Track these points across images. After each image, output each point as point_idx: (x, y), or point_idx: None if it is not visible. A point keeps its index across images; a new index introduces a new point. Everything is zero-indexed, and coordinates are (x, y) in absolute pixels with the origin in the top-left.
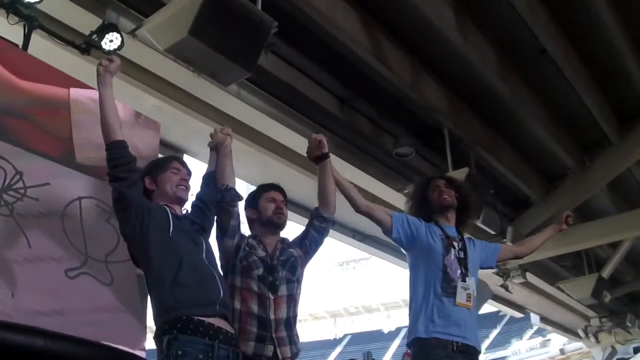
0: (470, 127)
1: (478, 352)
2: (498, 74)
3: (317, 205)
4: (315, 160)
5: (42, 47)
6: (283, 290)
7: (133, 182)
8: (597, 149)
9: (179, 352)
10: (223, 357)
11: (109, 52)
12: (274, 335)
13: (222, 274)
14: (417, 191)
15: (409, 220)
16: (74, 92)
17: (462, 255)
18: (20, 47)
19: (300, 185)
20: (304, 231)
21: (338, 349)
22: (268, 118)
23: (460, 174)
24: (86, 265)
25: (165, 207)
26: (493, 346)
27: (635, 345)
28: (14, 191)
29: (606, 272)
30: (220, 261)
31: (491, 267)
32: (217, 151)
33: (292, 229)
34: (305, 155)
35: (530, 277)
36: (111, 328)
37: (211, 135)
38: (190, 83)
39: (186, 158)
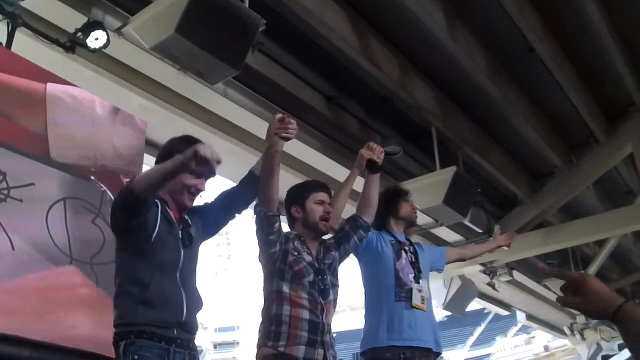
0: (458, 127)
1: (435, 353)
2: (486, 74)
3: (360, 214)
4: (371, 170)
5: (26, 46)
6: (331, 295)
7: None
8: (583, 148)
9: (135, 357)
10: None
11: (94, 50)
12: (324, 338)
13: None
14: (389, 196)
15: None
16: (51, 87)
17: (413, 259)
18: (4, 45)
19: (287, 184)
20: (343, 234)
21: None
22: (255, 117)
23: (448, 173)
24: (70, 266)
25: (160, 207)
26: (477, 343)
27: (619, 342)
28: None
29: (592, 270)
30: (265, 267)
31: (440, 270)
32: (268, 152)
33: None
34: (359, 161)
35: (517, 275)
36: (95, 330)
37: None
38: (177, 82)
39: None
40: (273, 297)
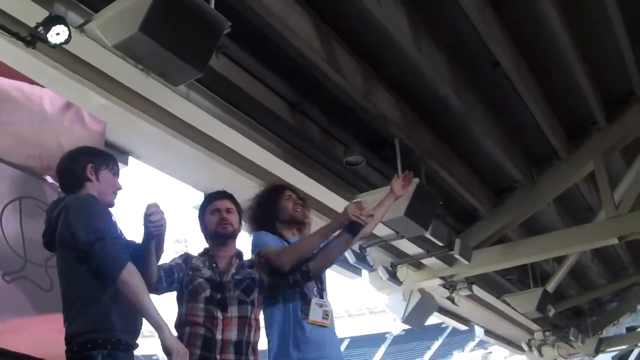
0: (421, 139)
1: None
2: (450, 85)
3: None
4: (349, 230)
5: None
6: (234, 310)
7: None
8: (545, 164)
9: None
10: None
11: (55, 46)
12: (217, 356)
13: None
14: (266, 196)
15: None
16: None
17: (305, 267)
18: None
19: (249, 192)
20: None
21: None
22: (217, 121)
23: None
24: (25, 269)
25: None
26: (435, 358)
27: (577, 359)
28: None
29: (551, 286)
30: (176, 300)
31: None
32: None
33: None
34: (343, 219)
35: (477, 290)
36: (48, 336)
37: None
38: (139, 82)
39: (131, 160)
40: (179, 321)
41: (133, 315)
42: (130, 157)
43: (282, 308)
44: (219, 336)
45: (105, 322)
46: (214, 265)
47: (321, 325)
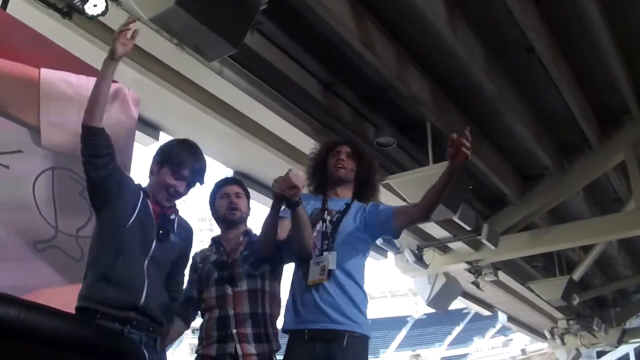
0: (452, 122)
1: (341, 333)
2: (484, 70)
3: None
4: (288, 206)
5: (21, 10)
6: (243, 284)
7: (108, 172)
8: (576, 152)
9: None
10: (135, 341)
11: (92, 17)
12: (234, 331)
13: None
14: (319, 154)
15: None
16: (45, 73)
17: (329, 228)
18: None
19: (277, 169)
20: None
21: None
22: (249, 98)
23: (440, 168)
24: (56, 238)
25: (143, 194)
26: (455, 343)
27: (598, 349)
28: None
29: (577, 275)
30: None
31: (391, 236)
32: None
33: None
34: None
35: (502, 276)
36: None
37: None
38: (172, 58)
39: (162, 136)
40: (201, 311)
41: (127, 289)
42: (161, 132)
43: (293, 276)
44: (231, 311)
45: (90, 291)
46: (222, 248)
47: (319, 282)
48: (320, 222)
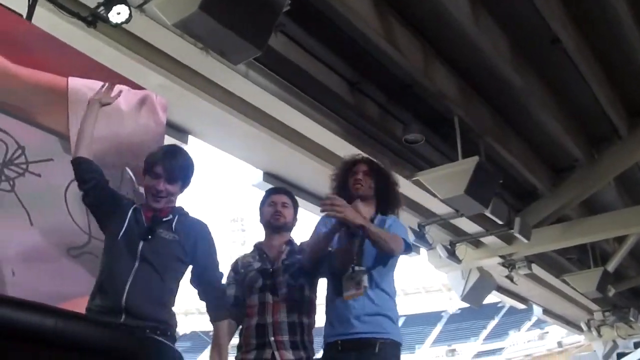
0: (480, 116)
1: (372, 341)
2: (510, 63)
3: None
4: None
5: (46, 20)
6: (283, 293)
7: (96, 194)
8: (605, 143)
9: None
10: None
11: (116, 25)
12: (271, 339)
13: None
14: (339, 174)
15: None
16: (73, 82)
17: (357, 246)
18: (25, 17)
19: (307, 171)
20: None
21: None
22: (276, 100)
23: (470, 163)
24: (90, 244)
25: (135, 205)
26: (490, 337)
27: (636, 340)
28: (15, 166)
29: (611, 266)
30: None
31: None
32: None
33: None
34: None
35: (536, 269)
36: None
37: None
38: (198, 61)
39: (191, 139)
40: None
41: (110, 293)
42: (189, 136)
43: (328, 288)
44: (269, 319)
45: (88, 301)
46: (264, 255)
47: (355, 296)
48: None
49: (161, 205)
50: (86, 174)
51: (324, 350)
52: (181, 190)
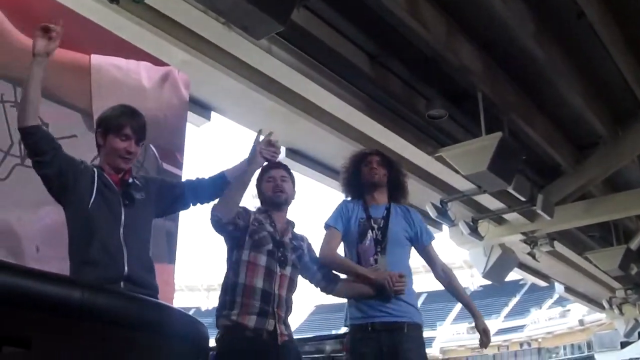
0: (504, 92)
1: (401, 323)
2: (534, 37)
3: (336, 279)
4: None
5: None
6: (288, 270)
7: (59, 164)
8: (630, 119)
9: None
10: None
11: (139, 1)
12: (275, 310)
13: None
14: (351, 164)
15: (342, 216)
16: (95, 59)
17: (379, 235)
18: None
19: (329, 146)
20: (316, 261)
21: None
22: (299, 75)
23: (493, 139)
24: None
25: (96, 169)
26: (512, 314)
27: None
28: None
29: (634, 244)
30: (226, 242)
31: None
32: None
33: (321, 190)
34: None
35: (558, 246)
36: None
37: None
38: (220, 37)
39: (214, 115)
40: (232, 266)
41: (110, 264)
42: (212, 112)
43: None
44: (276, 290)
45: (75, 277)
46: (273, 224)
47: None
48: (370, 230)
49: (130, 165)
50: (44, 144)
51: (352, 331)
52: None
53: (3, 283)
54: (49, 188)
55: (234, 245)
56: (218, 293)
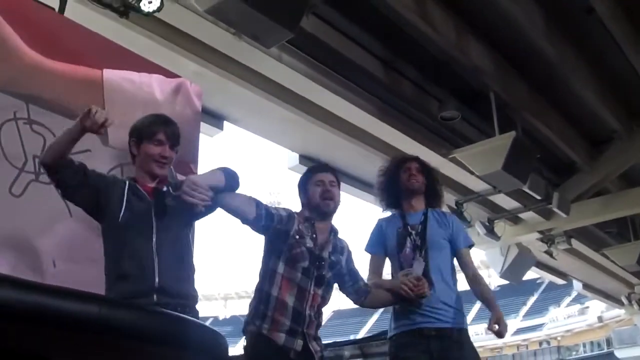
0: (516, 90)
1: (448, 329)
2: (544, 35)
3: (366, 292)
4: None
5: (78, 14)
6: (322, 290)
7: (86, 188)
8: None
9: None
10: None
11: (148, 14)
12: (305, 330)
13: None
14: (390, 170)
15: (379, 238)
16: (108, 74)
17: (417, 241)
18: (57, 10)
19: (343, 152)
20: (351, 273)
21: (375, 316)
22: (310, 82)
23: (507, 139)
24: None
25: (127, 182)
26: (530, 313)
27: None
28: None
29: None
30: (265, 244)
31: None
32: None
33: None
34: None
35: (575, 244)
36: None
37: None
38: (231, 47)
39: (226, 125)
40: (268, 275)
41: (140, 276)
42: (225, 122)
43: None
44: (307, 310)
45: (110, 294)
46: (314, 236)
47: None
48: (408, 237)
49: (165, 171)
50: (68, 177)
51: (396, 337)
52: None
53: (22, 301)
54: (84, 209)
55: (272, 252)
56: (235, 302)
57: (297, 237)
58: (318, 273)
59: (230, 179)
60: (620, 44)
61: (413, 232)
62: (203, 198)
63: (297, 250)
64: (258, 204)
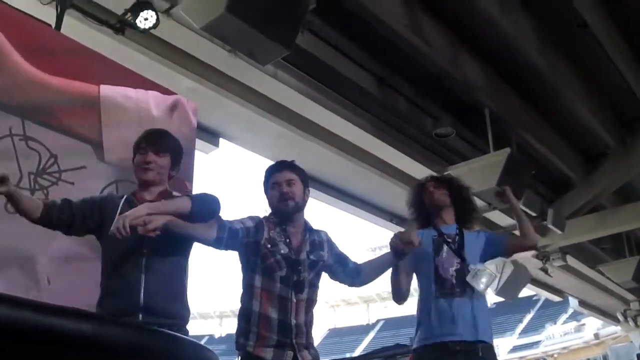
0: (510, 106)
1: (476, 343)
2: (537, 49)
3: (359, 270)
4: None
5: (74, 30)
6: (305, 293)
7: (80, 218)
8: (638, 127)
9: None
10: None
11: (144, 31)
12: (294, 341)
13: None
14: (414, 198)
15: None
16: (104, 89)
17: (456, 246)
18: (53, 27)
19: (338, 168)
20: (339, 259)
21: (371, 334)
22: (306, 99)
23: (501, 155)
24: None
25: (125, 196)
26: (526, 331)
27: None
28: (48, 175)
29: None
30: (240, 260)
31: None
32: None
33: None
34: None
35: (570, 260)
36: None
37: None
38: (226, 64)
39: (222, 142)
40: (246, 290)
41: (126, 295)
42: (220, 139)
43: (421, 290)
44: (293, 321)
45: (98, 309)
46: (288, 241)
47: (450, 295)
48: (444, 244)
49: (151, 177)
50: (59, 222)
51: (420, 350)
52: (173, 166)
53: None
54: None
55: (247, 266)
56: (231, 320)
57: (269, 245)
58: (297, 278)
59: (199, 204)
60: (612, 58)
61: (450, 240)
62: (138, 223)
63: (271, 260)
64: (221, 226)
